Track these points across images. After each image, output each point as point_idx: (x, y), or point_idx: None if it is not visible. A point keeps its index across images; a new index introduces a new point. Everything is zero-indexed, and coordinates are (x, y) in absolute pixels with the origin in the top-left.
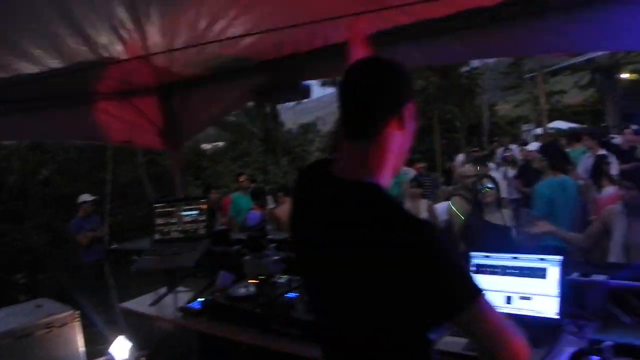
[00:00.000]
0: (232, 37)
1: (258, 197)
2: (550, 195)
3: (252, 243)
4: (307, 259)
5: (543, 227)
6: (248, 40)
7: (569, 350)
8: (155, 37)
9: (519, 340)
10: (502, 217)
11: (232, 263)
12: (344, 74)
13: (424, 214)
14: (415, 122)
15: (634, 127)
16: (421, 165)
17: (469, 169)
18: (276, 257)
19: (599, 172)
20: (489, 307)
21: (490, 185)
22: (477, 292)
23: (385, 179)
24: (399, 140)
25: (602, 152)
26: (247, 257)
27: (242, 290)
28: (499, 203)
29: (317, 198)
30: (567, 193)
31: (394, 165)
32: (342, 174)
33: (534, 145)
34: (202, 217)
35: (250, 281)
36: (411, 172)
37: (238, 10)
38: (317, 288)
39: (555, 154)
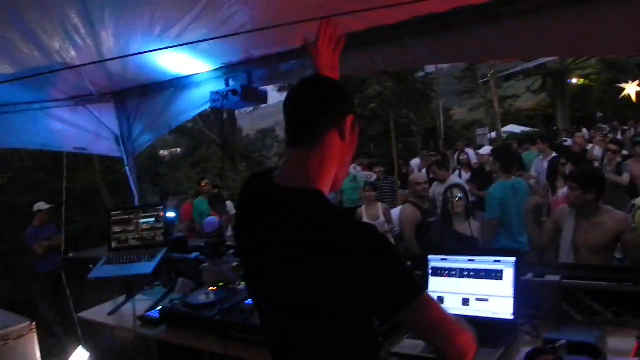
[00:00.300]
0: (187, 42)
1: (216, 203)
2: (503, 197)
3: (210, 250)
4: (253, 268)
5: None
6: (203, 46)
7: (525, 350)
8: (109, 42)
9: (465, 335)
10: (470, 228)
11: (191, 270)
12: (290, 90)
13: (380, 218)
14: (357, 136)
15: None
16: (379, 169)
17: (420, 175)
18: (235, 264)
19: (554, 173)
20: (432, 304)
21: (460, 195)
22: (419, 289)
23: (326, 187)
24: (339, 150)
25: (554, 155)
26: (205, 264)
27: (201, 298)
28: (467, 213)
29: (260, 207)
30: (519, 195)
31: (335, 174)
32: (283, 182)
33: (486, 149)
34: (160, 225)
35: (209, 288)
36: (373, 176)
37: (193, 16)
38: (264, 296)
39: (506, 157)
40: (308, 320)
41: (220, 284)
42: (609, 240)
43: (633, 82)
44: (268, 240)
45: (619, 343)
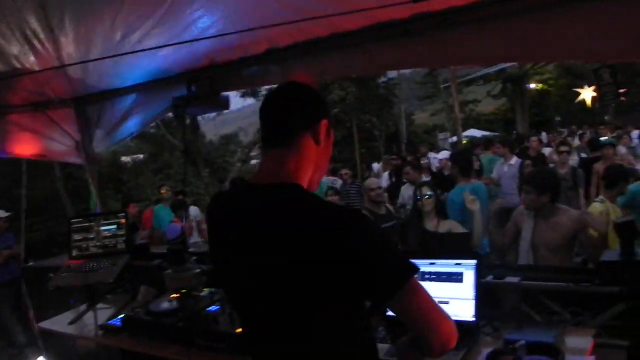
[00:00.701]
0: (149, 48)
1: (179, 209)
2: (462, 201)
3: (172, 256)
4: (238, 270)
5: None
6: (165, 51)
7: (486, 350)
8: (69, 47)
9: (449, 322)
10: (453, 226)
11: (153, 277)
12: (267, 94)
13: None
14: (332, 141)
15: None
16: (346, 172)
17: (373, 180)
18: (197, 270)
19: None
20: (421, 288)
21: (429, 193)
22: (412, 272)
23: (303, 185)
24: (313, 154)
25: (514, 158)
26: (168, 271)
27: (163, 305)
28: (438, 211)
29: (239, 207)
30: (479, 199)
31: (310, 178)
32: (261, 180)
33: (444, 153)
34: (122, 232)
35: (171, 295)
36: (338, 181)
37: (154, 21)
38: (253, 296)
39: (465, 161)
40: (302, 315)
41: (184, 290)
42: (567, 239)
43: (588, 87)
44: (253, 237)
45: (576, 342)
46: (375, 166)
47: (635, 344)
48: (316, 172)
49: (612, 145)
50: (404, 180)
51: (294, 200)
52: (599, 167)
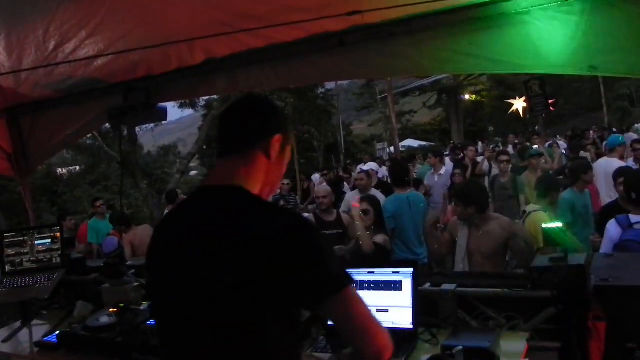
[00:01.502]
0: (83, 58)
1: (118, 222)
2: (395, 210)
3: (109, 270)
4: (170, 279)
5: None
6: (100, 61)
7: (424, 357)
8: (0, 56)
9: (384, 334)
10: (385, 241)
11: (90, 292)
12: (226, 107)
13: None
14: (287, 155)
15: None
16: (286, 183)
17: (321, 188)
18: (136, 284)
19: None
20: (358, 298)
21: (367, 208)
22: (348, 281)
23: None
24: (264, 168)
25: (444, 168)
26: (105, 285)
27: (101, 320)
28: (380, 226)
29: (186, 208)
30: (415, 208)
31: (260, 191)
32: (210, 182)
33: (370, 165)
34: (57, 246)
35: (109, 310)
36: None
37: (89, 31)
38: (181, 304)
39: (399, 171)
40: (233, 315)
41: (121, 305)
42: (499, 247)
43: (520, 98)
44: (192, 238)
45: (511, 346)
46: (316, 177)
47: (565, 346)
48: (266, 186)
49: (539, 155)
50: (356, 187)
51: (239, 203)
52: (527, 176)
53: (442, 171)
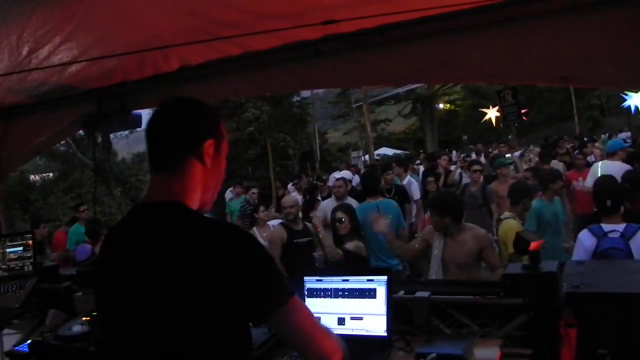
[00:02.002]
0: (58, 64)
1: (87, 234)
2: (363, 217)
3: (82, 278)
4: (113, 290)
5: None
6: (74, 67)
7: None
8: None
9: (331, 340)
10: (357, 247)
11: (62, 301)
12: (150, 115)
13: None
14: (222, 159)
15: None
16: (254, 191)
17: (288, 198)
18: None
19: (424, 194)
20: (302, 308)
21: (342, 217)
22: (291, 292)
23: (193, 207)
24: (201, 175)
25: (408, 177)
26: (77, 294)
27: (74, 329)
28: (356, 233)
29: (124, 227)
30: (384, 215)
31: (201, 199)
32: (147, 200)
33: (343, 173)
34: (29, 254)
35: (82, 319)
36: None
37: (63, 36)
38: (129, 327)
39: (370, 179)
40: (180, 329)
41: (95, 313)
42: (473, 257)
43: (493, 107)
44: (134, 258)
45: (484, 352)
46: (291, 185)
47: (537, 352)
48: (206, 192)
49: (509, 164)
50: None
51: (175, 221)
52: (495, 186)
53: (405, 181)
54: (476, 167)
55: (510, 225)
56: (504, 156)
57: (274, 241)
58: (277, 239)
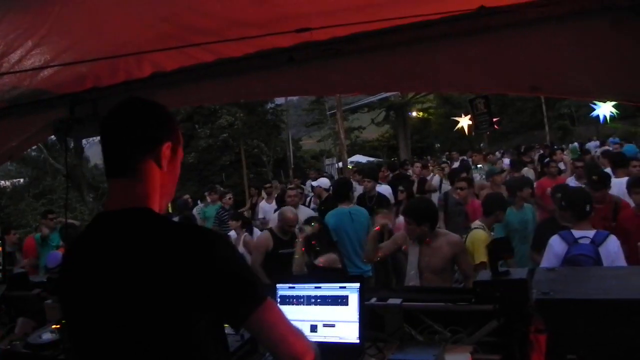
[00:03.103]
0: (29, 68)
1: (63, 240)
2: (336, 223)
3: (53, 285)
4: (84, 301)
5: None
6: (46, 72)
7: None
8: None
9: (303, 341)
10: (329, 261)
11: (33, 308)
12: (104, 117)
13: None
14: (178, 163)
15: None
16: (229, 197)
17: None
18: None
19: (396, 201)
20: (275, 309)
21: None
22: (264, 294)
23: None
24: (159, 179)
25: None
26: (48, 301)
27: (44, 337)
28: (329, 245)
29: (88, 238)
30: (358, 222)
31: (162, 204)
32: (108, 208)
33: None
34: None
35: (52, 326)
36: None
37: (35, 40)
38: (102, 328)
39: (341, 186)
40: (153, 337)
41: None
42: (447, 262)
43: (465, 116)
44: (104, 268)
45: (455, 359)
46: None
47: (507, 358)
48: (164, 198)
49: (500, 173)
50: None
51: (144, 227)
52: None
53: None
54: (461, 184)
55: (478, 235)
56: (476, 165)
57: (258, 248)
58: (262, 246)
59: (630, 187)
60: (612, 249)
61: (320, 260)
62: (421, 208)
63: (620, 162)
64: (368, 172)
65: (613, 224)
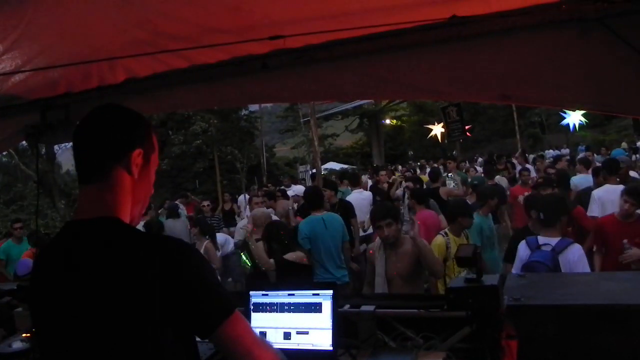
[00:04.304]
0: (0, 73)
1: (34, 245)
2: (309, 231)
3: (23, 293)
4: (57, 314)
5: None
6: (18, 77)
7: None
8: None
9: (269, 353)
10: (298, 257)
11: (2, 317)
12: (77, 124)
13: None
14: (151, 170)
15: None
16: (207, 204)
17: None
18: None
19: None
20: (242, 322)
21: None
22: (233, 307)
23: (125, 220)
24: (129, 186)
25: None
26: (18, 309)
27: (14, 346)
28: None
29: (57, 248)
30: (332, 228)
31: (131, 212)
32: (78, 217)
33: (296, 188)
34: None
35: (23, 335)
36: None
37: (6, 45)
38: (68, 341)
39: (313, 195)
40: (121, 348)
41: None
42: (414, 265)
43: (438, 124)
44: (69, 279)
45: None
46: (242, 198)
47: None
48: (135, 206)
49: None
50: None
51: (112, 237)
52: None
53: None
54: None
55: (436, 241)
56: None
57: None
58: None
59: (624, 193)
60: (572, 257)
61: (291, 256)
62: (391, 207)
63: (615, 169)
64: (330, 184)
65: (569, 228)
